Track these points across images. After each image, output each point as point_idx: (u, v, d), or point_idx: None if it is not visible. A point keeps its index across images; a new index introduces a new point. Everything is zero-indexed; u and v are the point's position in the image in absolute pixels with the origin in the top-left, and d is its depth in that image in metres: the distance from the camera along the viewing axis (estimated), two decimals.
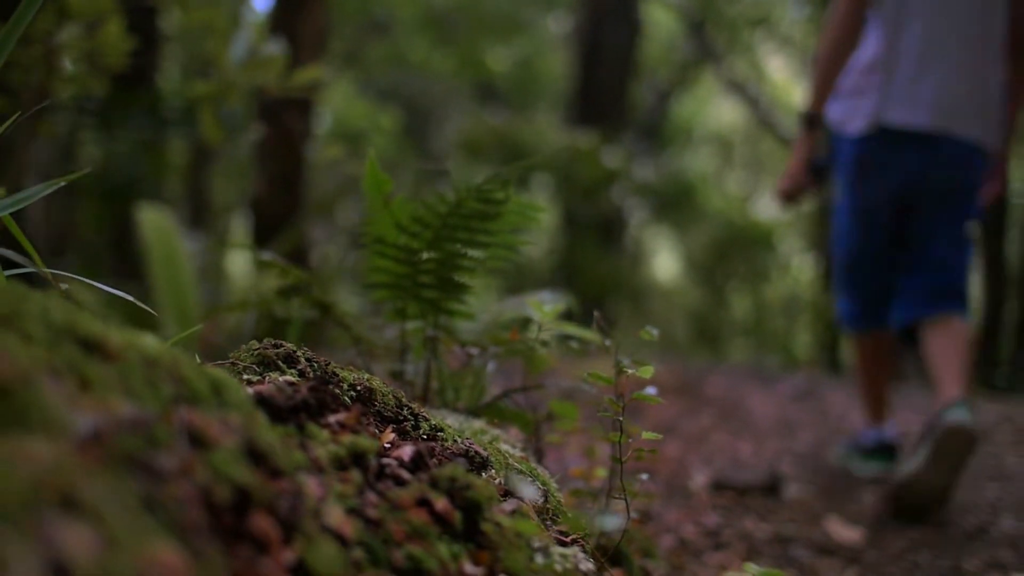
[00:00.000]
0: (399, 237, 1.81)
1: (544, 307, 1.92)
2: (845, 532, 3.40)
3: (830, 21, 4.48)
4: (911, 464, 3.56)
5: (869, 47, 4.42)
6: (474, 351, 1.96)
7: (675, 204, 16.19)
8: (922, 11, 4.29)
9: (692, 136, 23.33)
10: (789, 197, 4.67)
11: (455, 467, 1.12)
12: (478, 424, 1.69)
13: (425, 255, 1.83)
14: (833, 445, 4.93)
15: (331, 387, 1.18)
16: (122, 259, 6.31)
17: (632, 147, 12.76)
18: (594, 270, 11.38)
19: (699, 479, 4.10)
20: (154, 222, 4.13)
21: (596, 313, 1.78)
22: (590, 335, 2.03)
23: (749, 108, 18.54)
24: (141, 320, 3.47)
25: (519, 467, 1.45)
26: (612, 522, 1.47)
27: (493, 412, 1.96)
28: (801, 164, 4.53)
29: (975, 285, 17.35)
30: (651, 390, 1.71)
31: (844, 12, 4.36)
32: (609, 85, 13.70)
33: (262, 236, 5.22)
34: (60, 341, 0.80)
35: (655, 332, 1.75)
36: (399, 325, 1.96)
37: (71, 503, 0.63)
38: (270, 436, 0.92)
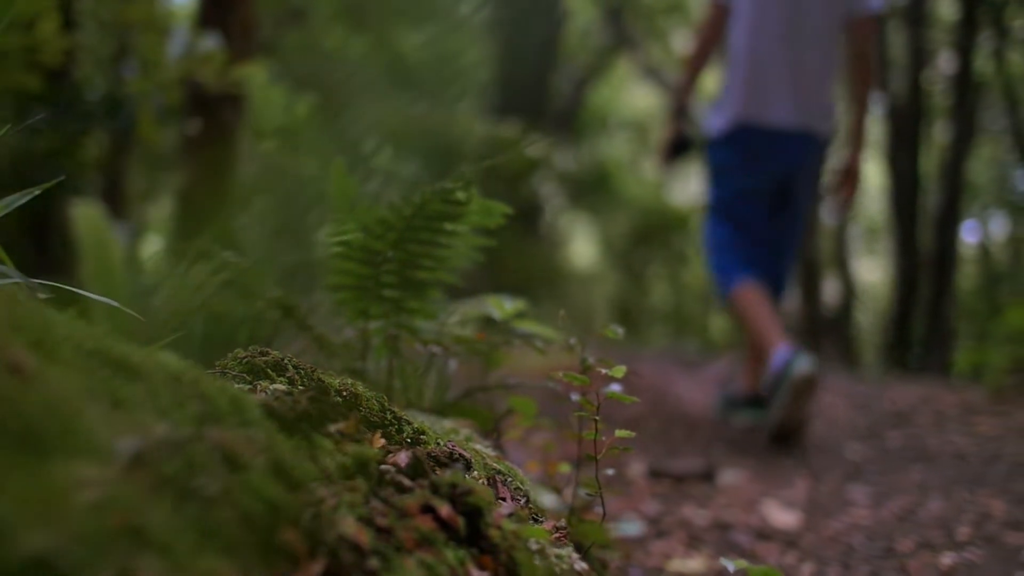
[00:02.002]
0: (364, 239, 1.82)
1: (505, 306, 1.95)
2: (782, 516, 3.46)
3: (695, 30, 5.59)
4: (776, 412, 4.50)
5: (735, 54, 5.25)
6: (437, 350, 1.98)
7: (592, 191, 16.26)
8: (774, 24, 5.11)
9: (607, 123, 23.39)
10: (664, 164, 5.84)
11: (456, 473, 1.14)
12: (448, 424, 1.71)
13: (389, 256, 1.84)
14: (763, 430, 5.00)
15: (329, 396, 1.19)
16: (42, 254, 6.20)
17: (553, 135, 12.79)
18: (514, 258, 11.38)
19: (636, 467, 4.15)
20: (86, 216, 4.07)
21: (561, 312, 1.80)
22: (551, 333, 2.06)
23: (663, 94, 18.67)
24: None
25: (497, 467, 1.47)
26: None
27: (456, 410, 1.98)
28: (664, 144, 5.70)
29: (888, 269, 17.69)
30: (616, 387, 1.74)
31: (704, 24, 5.41)
32: (530, 75, 13.70)
33: (189, 227, 5.15)
34: (90, 362, 0.80)
35: (620, 331, 1.78)
36: (360, 325, 1.97)
37: (135, 529, 0.64)
38: (287, 450, 0.93)
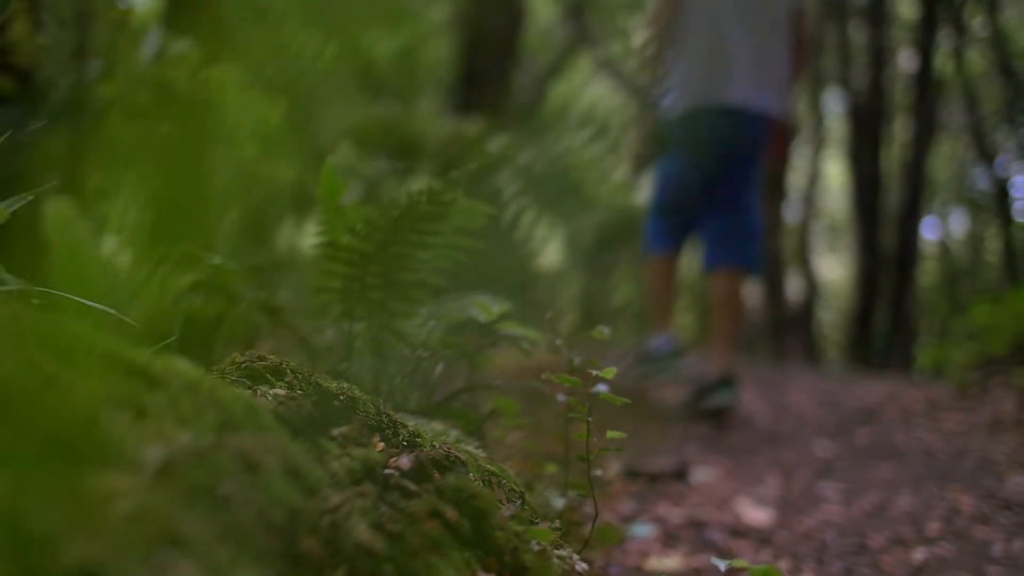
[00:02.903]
0: (350, 240, 1.83)
1: (491, 309, 1.96)
2: (755, 514, 3.48)
3: (649, 19, 5.92)
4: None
5: (691, 38, 5.56)
6: (423, 352, 1.99)
7: (555, 188, 16.26)
8: (731, 11, 5.47)
9: (568, 119, 23.37)
10: (639, 167, 6.11)
11: (461, 477, 1.15)
12: (438, 426, 1.71)
13: (374, 257, 1.85)
14: (734, 430, 5.03)
15: (331, 400, 1.19)
16: (4, 253, 6.10)
17: (516, 132, 12.78)
18: (481, 257, 11.35)
19: (612, 466, 4.16)
20: (58, 216, 4.03)
21: (548, 314, 1.81)
22: (536, 334, 2.07)
23: (624, 91, 18.72)
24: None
25: (491, 468, 1.48)
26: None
27: (442, 412, 1.98)
28: (637, 153, 6.07)
29: (851, 267, 17.81)
30: (602, 388, 1.76)
31: (658, 11, 5.69)
32: (491, 72, 13.67)
33: (163, 229, 5.11)
34: (111, 371, 0.80)
35: (606, 331, 1.79)
36: (345, 326, 1.97)
37: (173, 537, 0.64)
38: (300, 455, 0.93)
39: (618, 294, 19.02)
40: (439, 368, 2.05)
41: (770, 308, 15.30)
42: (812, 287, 17.58)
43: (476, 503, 1.13)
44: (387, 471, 1.13)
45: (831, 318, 21.07)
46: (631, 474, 4.00)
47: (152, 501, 0.67)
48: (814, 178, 19.75)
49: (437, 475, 1.18)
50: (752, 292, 16.19)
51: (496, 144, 10.80)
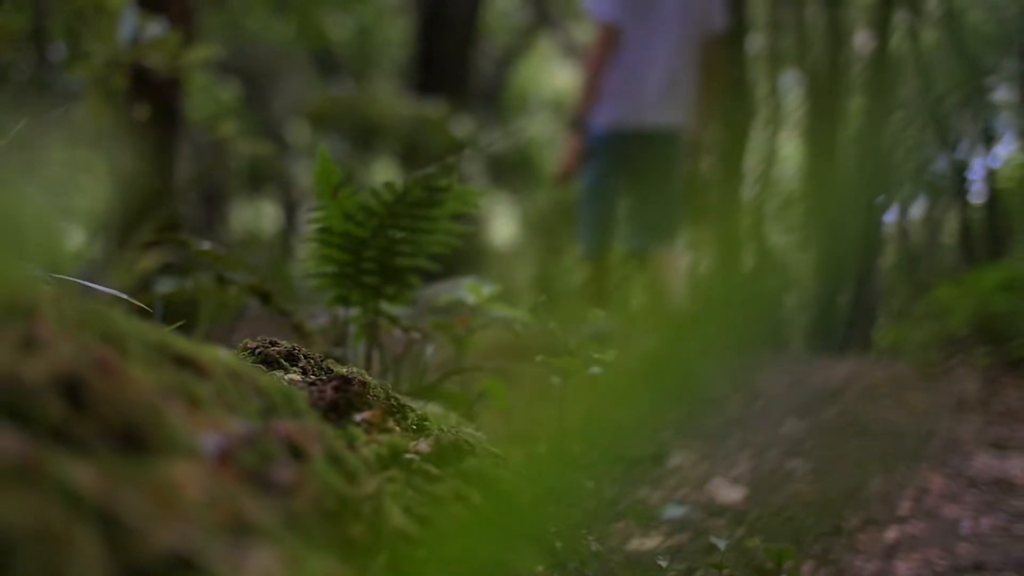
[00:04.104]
0: (345, 226, 1.83)
1: (480, 290, 1.97)
2: (728, 493, 3.52)
3: (588, 55, 6.54)
4: None
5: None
6: (415, 335, 2.00)
7: (513, 170, 16.29)
8: (643, 38, 6.11)
9: (528, 103, 23.38)
10: (564, 180, 6.73)
11: (482, 461, 1.16)
12: (436, 409, 1.72)
13: (370, 242, 1.86)
14: (705, 412, 5.07)
15: (352, 385, 1.20)
16: None
17: (477, 115, 12.78)
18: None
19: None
20: (28, 199, 3.99)
21: (541, 296, 1.83)
22: (526, 315, 2.08)
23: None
24: None
25: (495, 451, 1.49)
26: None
27: (432, 394, 1.99)
28: (573, 156, 6.52)
29: (814, 251, 17.80)
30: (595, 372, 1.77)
31: (594, 58, 6.27)
32: (450, 53, 13.62)
33: (132, 214, 5.08)
34: (160, 360, 0.81)
35: (601, 315, 1.81)
36: (339, 311, 1.98)
37: (245, 524, 0.65)
38: (336, 440, 0.94)
39: (573, 274, 19.07)
40: (430, 350, 2.06)
41: None
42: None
43: (498, 486, 1.14)
44: (408, 455, 1.14)
45: (793, 300, 21.17)
46: (611, 458, 4.03)
47: (217, 488, 0.67)
48: (771, 159, 19.84)
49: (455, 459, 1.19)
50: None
51: (460, 128, 10.83)
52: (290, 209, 18.69)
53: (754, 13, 17.22)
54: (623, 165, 6.36)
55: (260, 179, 16.02)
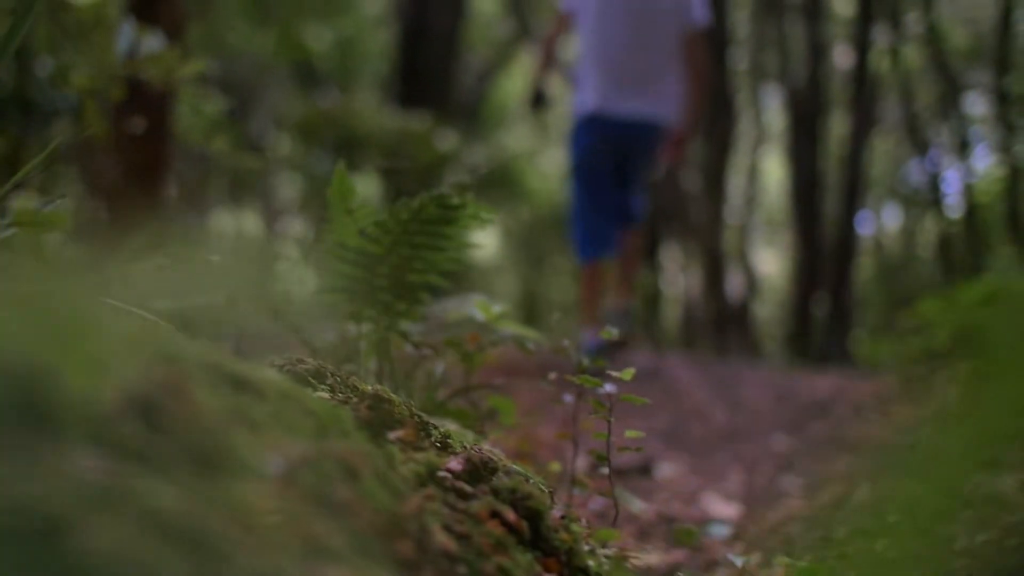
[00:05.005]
0: (360, 242, 1.84)
1: (491, 308, 1.99)
2: (722, 508, 3.53)
3: (544, 34, 7.50)
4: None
5: (586, 54, 6.65)
6: (427, 352, 2.01)
7: (495, 184, 16.31)
8: (622, 32, 6.45)
9: (508, 115, 23.42)
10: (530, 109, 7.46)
11: (515, 479, 1.17)
12: (452, 426, 1.73)
13: (384, 259, 1.87)
14: (693, 425, 5.09)
15: (384, 403, 1.21)
16: None
17: (460, 128, 12.79)
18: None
19: (579, 463, 4.19)
20: (23, 212, 3.98)
21: (556, 315, 1.84)
22: (535, 334, 2.10)
23: (565, 85, 18.76)
24: None
25: (517, 468, 1.50)
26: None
27: (443, 411, 2.00)
28: (529, 94, 7.29)
29: (788, 260, 18.00)
30: (609, 387, 1.79)
31: (550, 30, 7.08)
32: (432, 66, 13.63)
33: (119, 227, 5.07)
34: (219, 381, 0.82)
35: (615, 332, 1.83)
36: (349, 327, 1.99)
37: (318, 545, 0.66)
38: (381, 459, 0.95)
39: (556, 288, 19.11)
40: (440, 368, 2.07)
41: (711, 303, 15.43)
42: (752, 282, 17.74)
43: (530, 504, 1.16)
44: (441, 473, 1.15)
45: (769, 312, 21.29)
46: (597, 470, 4.04)
47: (288, 509, 0.68)
48: (752, 173, 19.94)
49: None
50: (693, 288, 16.40)
51: (444, 142, 10.84)
52: (271, 220, 18.67)
53: (736, 28, 17.31)
54: (607, 147, 6.67)
55: (241, 190, 16.01)
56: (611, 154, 6.67)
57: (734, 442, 4.69)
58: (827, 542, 3.09)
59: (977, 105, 17.63)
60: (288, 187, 17.32)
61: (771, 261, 23.79)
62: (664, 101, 6.65)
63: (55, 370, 0.62)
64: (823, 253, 14.46)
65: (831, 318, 14.23)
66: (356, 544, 0.73)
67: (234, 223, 19.88)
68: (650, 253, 15.70)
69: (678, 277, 18.12)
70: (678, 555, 2.95)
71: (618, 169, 6.73)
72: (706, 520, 3.40)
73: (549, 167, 21.53)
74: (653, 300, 16.98)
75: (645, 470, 4.05)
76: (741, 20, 17.85)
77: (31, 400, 0.60)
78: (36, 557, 0.51)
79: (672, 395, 6.33)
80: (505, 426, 2.27)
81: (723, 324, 15.16)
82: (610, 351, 5.65)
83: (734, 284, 16.82)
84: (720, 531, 3.15)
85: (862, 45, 14.57)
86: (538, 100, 7.22)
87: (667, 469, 4.13)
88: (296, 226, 17.42)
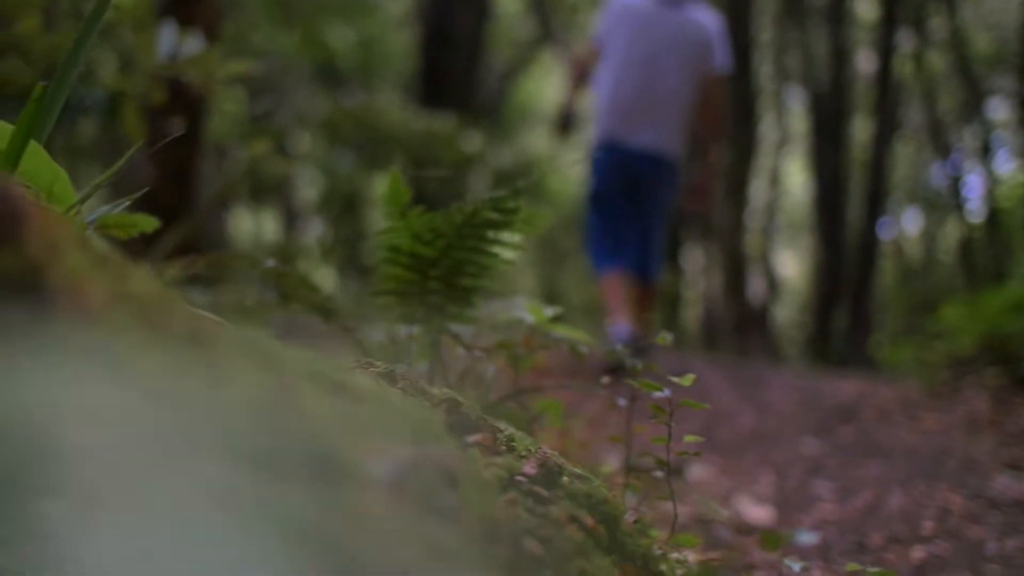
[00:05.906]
0: (413, 246, 1.86)
1: (542, 311, 2.00)
2: (755, 511, 3.53)
3: (574, 59, 7.84)
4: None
5: (605, 86, 6.76)
6: (478, 354, 2.02)
7: (515, 182, 16.28)
8: (639, 70, 6.62)
9: (530, 117, 23.42)
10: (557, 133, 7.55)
11: (589, 484, 1.18)
12: (509, 429, 1.74)
13: (437, 262, 1.88)
14: (721, 428, 5.09)
15: (461, 407, 1.22)
16: None
17: (484, 129, 12.79)
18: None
19: (612, 463, 4.19)
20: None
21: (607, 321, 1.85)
22: (586, 337, 2.11)
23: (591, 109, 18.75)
24: None
25: (578, 471, 1.51)
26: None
27: (494, 413, 2.01)
28: (558, 118, 7.41)
29: (810, 263, 17.96)
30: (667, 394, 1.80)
31: (582, 57, 7.21)
32: (455, 68, 13.62)
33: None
34: (320, 387, 0.82)
35: (669, 336, 1.84)
36: (404, 328, 2.00)
37: (437, 551, 0.67)
38: (471, 465, 0.96)
39: (577, 288, 19.09)
40: (491, 370, 2.08)
41: (732, 306, 15.41)
42: (773, 285, 17.72)
43: (606, 508, 1.16)
44: (516, 477, 1.16)
45: (789, 315, 21.27)
46: (630, 470, 4.04)
47: (401, 515, 0.69)
48: (775, 176, 19.91)
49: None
50: (714, 290, 16.39)
51: (469, 143, 10.83)
52: (291, 219, 18.71)
53: (759, 32, 17.27)
54: (618, 177, 6.79)
55: (261, 189, 16.02)
56: (623, 179, 6.80)
57: (763, 445, 4.69)
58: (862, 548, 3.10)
59: (1000, 110, 17.59)
60: (308, 187, 17.36)
61: (792, 264, 23.78)
62: (672, 141, 6.77)
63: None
64: (845, 257, 14.45)
65: (852, 322, 14.21)
66: (465, 549, 0.74)
67: (254, 223, 19.94)
68: (672, 256, 15.68)
69: (699, 280, 18.12)
70: (712, 556, 2.95)
71: (631, 200, 6.83)
72: (741, 523, 3.40)
73: (570, 169, 21.50)
74: (674, 303, 16.99)
75: (677, 471, 4.05)
76: (764, 24, 17.81)
77: None
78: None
79: (699, 397, 6.31)
80: (552, 428, 2.29)
81: (744, 327, 15.15)
82: (639, 341, 5.72)
83: (755, 287, 16.81)
84: (808, 539, 3.15)
85: (886, 50, 14.53)
86: (567, 123, 7.34)
87: (698, 471, 4.13)
88: (317, 227, 17.47)
